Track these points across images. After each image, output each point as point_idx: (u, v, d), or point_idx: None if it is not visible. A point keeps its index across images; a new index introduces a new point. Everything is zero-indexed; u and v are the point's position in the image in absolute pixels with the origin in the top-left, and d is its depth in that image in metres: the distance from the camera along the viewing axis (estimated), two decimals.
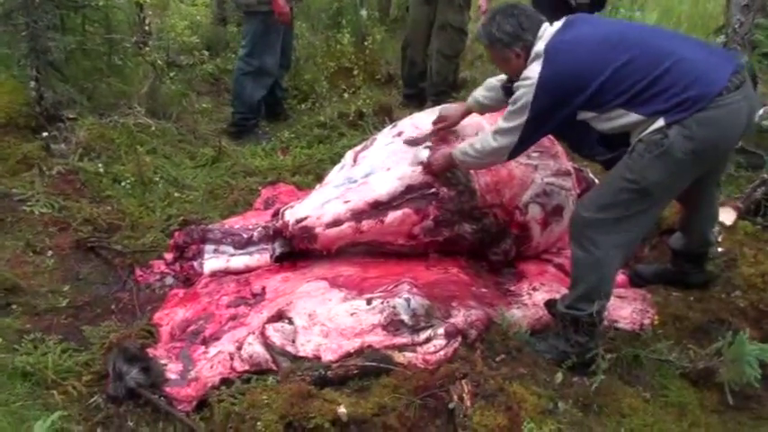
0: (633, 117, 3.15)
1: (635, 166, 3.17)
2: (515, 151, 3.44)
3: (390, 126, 4.30)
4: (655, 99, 3.10)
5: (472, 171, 3.88)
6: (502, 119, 3.35)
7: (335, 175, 4.18)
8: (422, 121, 4.16)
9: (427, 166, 3.87)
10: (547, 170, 4.09)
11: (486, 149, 3.46)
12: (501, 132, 3.38)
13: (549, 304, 3.63)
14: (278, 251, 4.06)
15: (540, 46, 3.22)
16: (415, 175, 3.92)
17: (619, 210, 3.21)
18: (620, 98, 3.14)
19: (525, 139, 3.37)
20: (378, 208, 3.87)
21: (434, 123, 3.96)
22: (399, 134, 4.14)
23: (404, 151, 4.01)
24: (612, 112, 3.17)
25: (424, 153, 3.96)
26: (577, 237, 3.31)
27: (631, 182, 3.18)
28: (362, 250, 4.02)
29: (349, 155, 4.28)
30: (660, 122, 3.11)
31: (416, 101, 6.80)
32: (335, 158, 5.21)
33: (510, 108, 3.31)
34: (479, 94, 3.82)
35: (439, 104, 4.36)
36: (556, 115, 3.23)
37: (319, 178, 4.83)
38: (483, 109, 3.88)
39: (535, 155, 4.11)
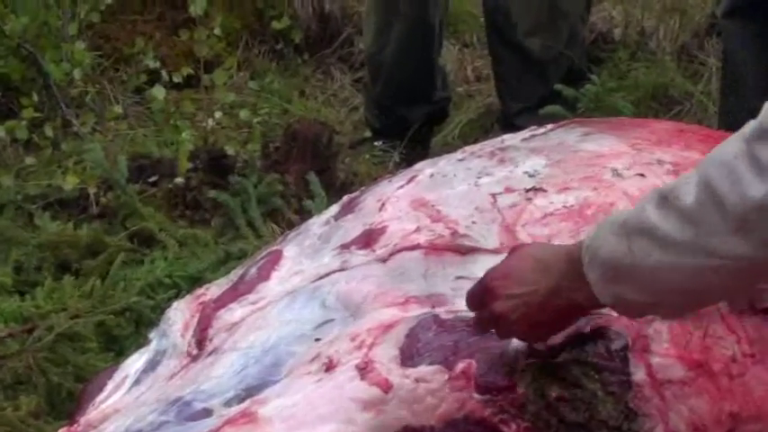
0: None
1: None
2: None
3: (336, 207, 1.64)
4: None
5: (636, 358, 1.25)
6: None
7: (121, 397, 1.47)
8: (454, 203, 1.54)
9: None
10: None
11: (735, 213, 0.92)
12: None
13: None
14: None
15: None
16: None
17: None
18: None
19: None
20: None
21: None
22: (381, 253, 1.47)
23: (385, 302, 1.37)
24: None
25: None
26: None
27: None
28: None
29: (172, 317, 1.57)
30: None
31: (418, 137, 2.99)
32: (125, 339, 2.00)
33: None
34: None
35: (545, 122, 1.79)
36: None
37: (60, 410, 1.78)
38: None
39: None
